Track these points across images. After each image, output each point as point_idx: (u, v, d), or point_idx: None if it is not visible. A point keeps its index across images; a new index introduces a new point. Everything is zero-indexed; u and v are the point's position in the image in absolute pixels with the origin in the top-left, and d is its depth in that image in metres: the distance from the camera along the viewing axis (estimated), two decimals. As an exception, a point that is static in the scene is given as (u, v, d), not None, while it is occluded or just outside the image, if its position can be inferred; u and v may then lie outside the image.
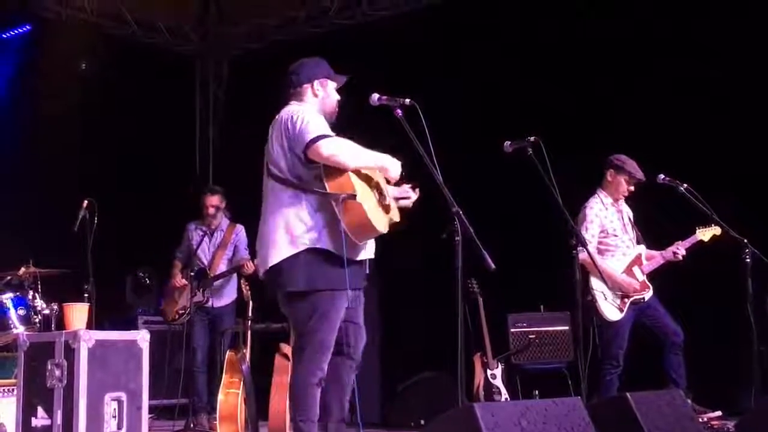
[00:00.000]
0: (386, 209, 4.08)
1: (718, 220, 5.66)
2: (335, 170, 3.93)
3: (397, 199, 4.24)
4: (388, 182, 4.21)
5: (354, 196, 3.85)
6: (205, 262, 6.84)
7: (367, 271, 4.21)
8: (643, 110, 7.09)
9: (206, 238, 6.86)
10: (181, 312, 6.80)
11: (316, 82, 4.18)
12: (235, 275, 6.90)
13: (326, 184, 3.92)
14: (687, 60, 6.92)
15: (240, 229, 6.97)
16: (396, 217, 4.17)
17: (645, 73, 7.16)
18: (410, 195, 4.32)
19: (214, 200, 6.87)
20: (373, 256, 4.14)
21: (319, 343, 3.94)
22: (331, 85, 4.21)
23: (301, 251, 3.93)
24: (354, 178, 3.92)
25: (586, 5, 7.40)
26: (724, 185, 6.41)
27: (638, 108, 7.10)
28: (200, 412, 6.68)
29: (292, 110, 4.07)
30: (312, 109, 4.14)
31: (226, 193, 7.01)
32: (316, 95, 4.18)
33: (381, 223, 3.97)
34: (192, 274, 6.65)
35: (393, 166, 4.11)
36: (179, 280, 6.83)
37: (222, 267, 6.85)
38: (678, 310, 5.97)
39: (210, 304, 6.75)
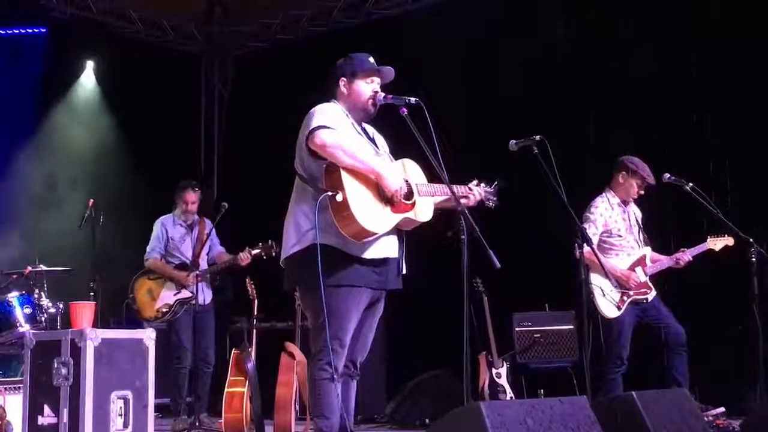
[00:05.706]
0: (399, 208, 3.97)
1: (723, 218, 5.64)
2: (333, 167, 3.88)
3: (460, 197, 4.04)
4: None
5: (334, 195, 3.80)
6: (188, 258, 6.75)
7: (403, 272, 4.11)
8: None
9: (188, 234, 6.82)
10: (164, 310, 6.59)
11: (342, 80, 4.15)
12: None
13: (323, 180, 3.90)
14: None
15: (209, 222, 6.90)
16: (422, 216, 4.06)
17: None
18: (468, 196, 4.16)
19: (195, 197, 6.86)
20: (396, 255, 4.04)
21: (329, 339, 3.85)
22: (360, 83, 4.11)
23: (309, 246, 3.89)
24: (346, 175, 3.86)
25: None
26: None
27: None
28: (181, 412, 6.59)
29: (317, 106, 4.06)
30: (336, 106, 4.12)
31: (227, 189, 6.98)
32: (342, 92, 4.16)
33: (376, 222, 3.88)
34: (209, 267, 6.70)
35: (389, 179, 3.90)
36: (191, 277, 6.60)
37: (204, 262, 6.80)
38: (684, 309, 5.95)
39: (203, 300, 6.67)
